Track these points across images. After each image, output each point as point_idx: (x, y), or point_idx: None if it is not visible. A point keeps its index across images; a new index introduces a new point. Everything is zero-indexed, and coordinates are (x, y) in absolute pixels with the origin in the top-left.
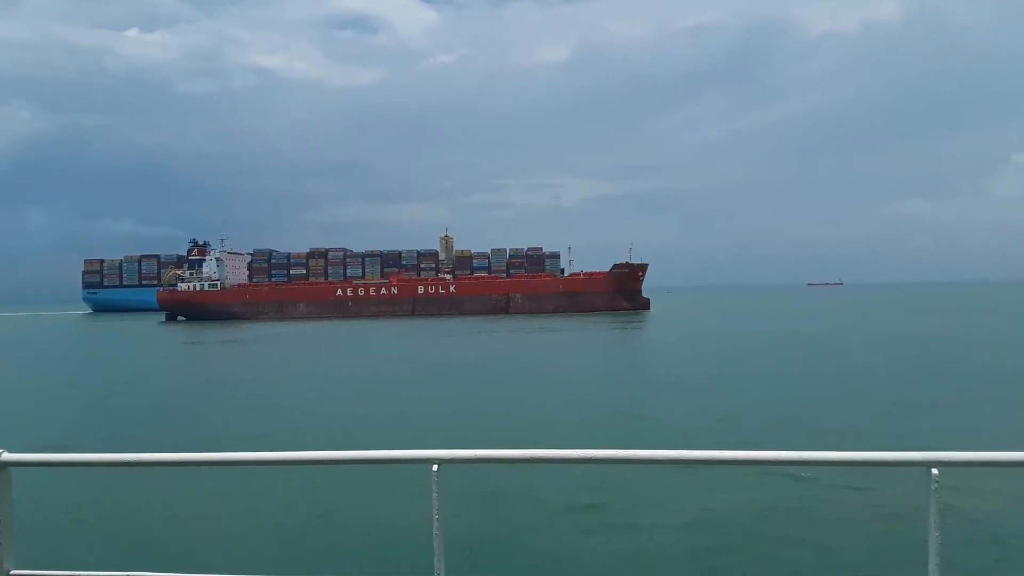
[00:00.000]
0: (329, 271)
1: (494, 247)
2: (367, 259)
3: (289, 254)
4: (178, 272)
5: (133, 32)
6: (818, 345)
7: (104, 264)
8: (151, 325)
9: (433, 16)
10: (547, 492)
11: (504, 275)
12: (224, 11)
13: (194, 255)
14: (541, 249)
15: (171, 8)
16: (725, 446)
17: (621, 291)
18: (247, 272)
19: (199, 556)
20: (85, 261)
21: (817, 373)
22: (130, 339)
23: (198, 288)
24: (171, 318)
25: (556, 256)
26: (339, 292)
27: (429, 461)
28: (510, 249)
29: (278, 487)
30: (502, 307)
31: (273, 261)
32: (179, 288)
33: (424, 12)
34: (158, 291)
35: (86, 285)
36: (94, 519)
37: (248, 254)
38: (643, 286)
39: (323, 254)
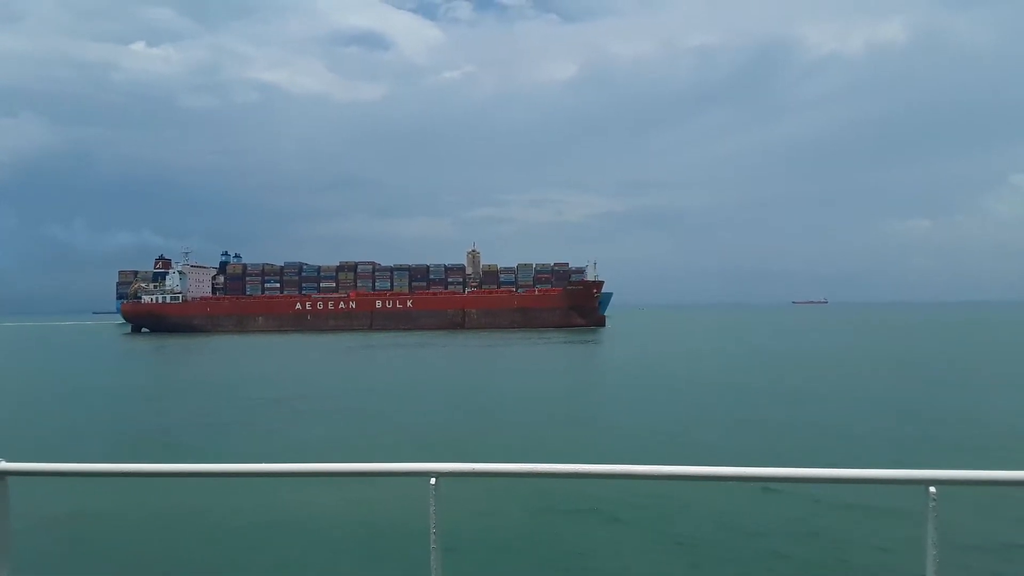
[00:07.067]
0: (358, 284)
1: (520, 262)
2: (395, 272)
3: (319, 267)
4: (141, 285)
5: (139, 46)
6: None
7: (137, 276)
8: (112, 337)
9: (437, 34)
10: (545, 506)
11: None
12: (227, 27)
13: (158, 268)
14: (567, 264)
15: (173, 23)
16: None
17: (575, 308)
18: (211, 285)
19: (195, 566)
20: (119, 272)
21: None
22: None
23: (160, 301)
24: (136, 330)
25: (581, 271)
26: (298, 306)
27: (427, 474)
28: (536, 264)
29: (275, 499)
30: (458, 322)
31: (304, 274)
32: (142, 300)
33: (429, 30)
34: (122, 303)
35: (119, 296)
36: (91, 529)
37: (213, 268)
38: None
39: (352, 267)
